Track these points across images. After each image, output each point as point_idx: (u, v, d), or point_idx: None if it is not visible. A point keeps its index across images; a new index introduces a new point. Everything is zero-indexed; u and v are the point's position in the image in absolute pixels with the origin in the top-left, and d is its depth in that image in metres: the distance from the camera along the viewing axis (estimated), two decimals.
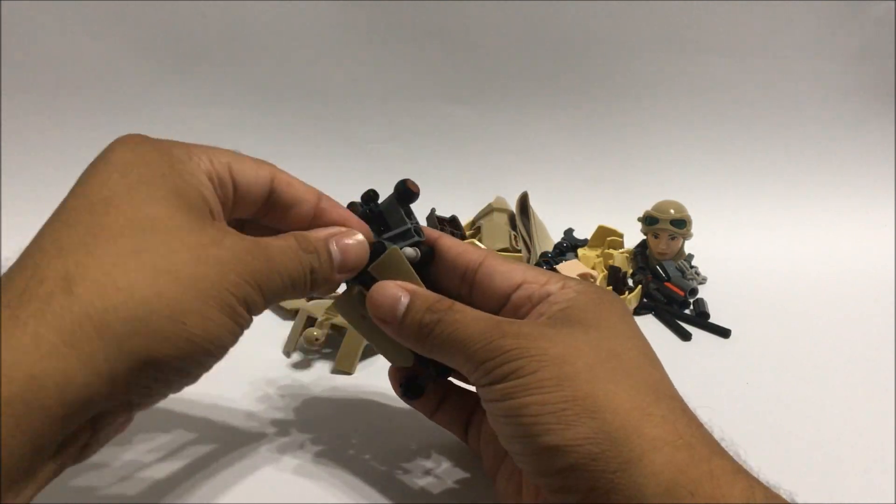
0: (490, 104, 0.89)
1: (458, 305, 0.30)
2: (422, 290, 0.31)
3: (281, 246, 0.29)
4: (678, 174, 0.90)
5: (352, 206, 0.35)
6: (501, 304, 0.33)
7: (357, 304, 0.34)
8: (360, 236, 0.32)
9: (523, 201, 0.70)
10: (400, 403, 0.38)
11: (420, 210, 0.67)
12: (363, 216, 0.34)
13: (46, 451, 0.22)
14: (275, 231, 0.32)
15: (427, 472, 0.38)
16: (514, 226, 0.69)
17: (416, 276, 0.33)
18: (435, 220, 0.62)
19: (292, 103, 0.86)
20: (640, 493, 0.24)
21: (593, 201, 0.88)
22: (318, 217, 0.33)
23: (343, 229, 0.32)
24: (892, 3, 0.85)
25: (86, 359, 0.22)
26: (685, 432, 0.25)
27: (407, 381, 0.35)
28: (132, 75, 0.79)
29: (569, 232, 0.74)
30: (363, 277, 0.33)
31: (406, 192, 0.33)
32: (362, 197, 0.35)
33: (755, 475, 0.25)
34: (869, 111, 0.91)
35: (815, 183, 0.91)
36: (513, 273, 0.33)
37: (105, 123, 0.80)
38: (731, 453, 0.26)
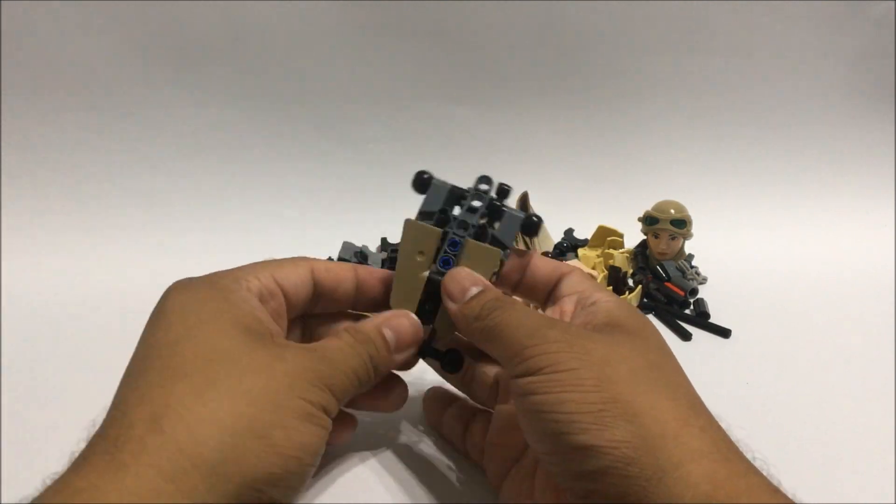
0: (490, 104, 0.89)
1: (516, 302, 0.31)
2: (492, 286, 0.33)
3: (338, 346, 0.30)
4: (678, 174, 0.90)
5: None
6: (546, 298, 0.35)
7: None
8: (412, 316, 0.34)
9: (523, 201, 0.70)
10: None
11: None
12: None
13: None
14: (330, 318, 0.36)
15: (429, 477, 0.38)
16: None
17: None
18: None
19: (292, 103, 0.86)
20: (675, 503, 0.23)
21: (593, 201, 0.88)
22: (361, 285, 0.36)
23: (393, 313, 0.34)
24: (892, 3, 0.85)
25: (189, 492, 0.23)
26: (723, 446, 0.25)
27: (444, 356, 0.36)
28: (132, 75, 0.79)
29: (569, 232, 0.74)
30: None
31: (532, 225, 0.35)
32: (497, 192, 0.36)
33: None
34: (869, 111, 0.91)
35: (815, 183, 0.91)
36: (559, 266, 0.36)
37: (105, 124, 0.80)
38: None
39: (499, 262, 0.34)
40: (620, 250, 0.68)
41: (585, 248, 0.71)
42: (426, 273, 0.34)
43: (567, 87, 0.90)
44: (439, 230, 0.34)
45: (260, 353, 0.27)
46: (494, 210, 0.35)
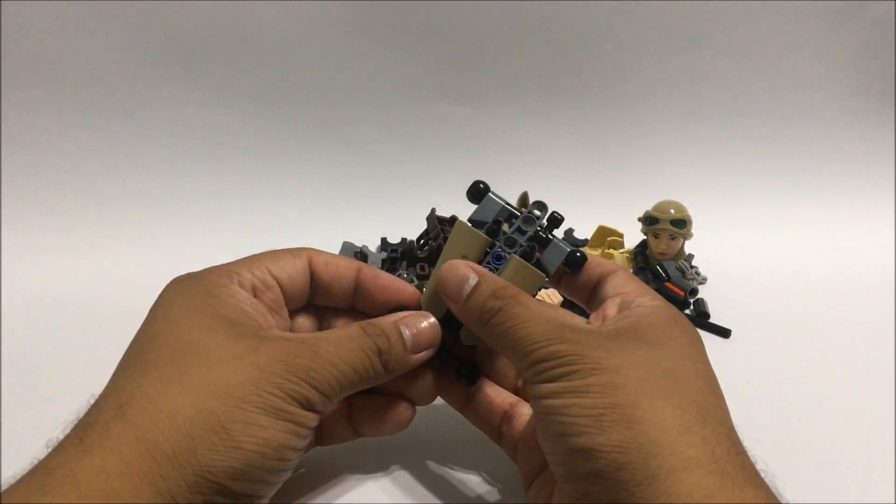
0: (490, 104, 0.89)
1: (524, 297, 0.30)
2: (490, 275, 0.32)
3: (335, 337, 0.30)
4: (678, 174, 0.90)
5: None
6: (588, 296, 0.35)
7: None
8: (431, 319, 0.33)
9: (523, 201, 0.70)
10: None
11: (421, 210, 0.67)
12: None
13: None
14: (350, 312, 0.35)
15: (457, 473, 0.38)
16: None
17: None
18: (435, 220, 0.62)
19: (292, 103, 0.86)
20: None
21: (593, 201, 0.88)
22: (361, 286, 0.35)
23: (412, 313, 0.33)
24: (893, 3, 0.85)
25: (146, 477, 0.23)
26: (723, 458, 0.25)
27: (460, 368, 0.35)
28: (133, 75, 0.79)
29: (569, 232, 0.74)
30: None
31: (576, 262, 0.35)
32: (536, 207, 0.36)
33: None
34: (869, 111, 0.91)
35: (815, 183, 0.90)
36: (605, 264, 0.36)
37: (105, 123, 0.79)
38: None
39: (538, 288, 0.34)
40: (620, 250, 0.68)
41: (585, 248, 0.71)
42: None
43: (567, 87, 0.90)
44: (489, 239, 0.34)
45: (234, 345, 0.27)
46: (541, 238, 0.35)
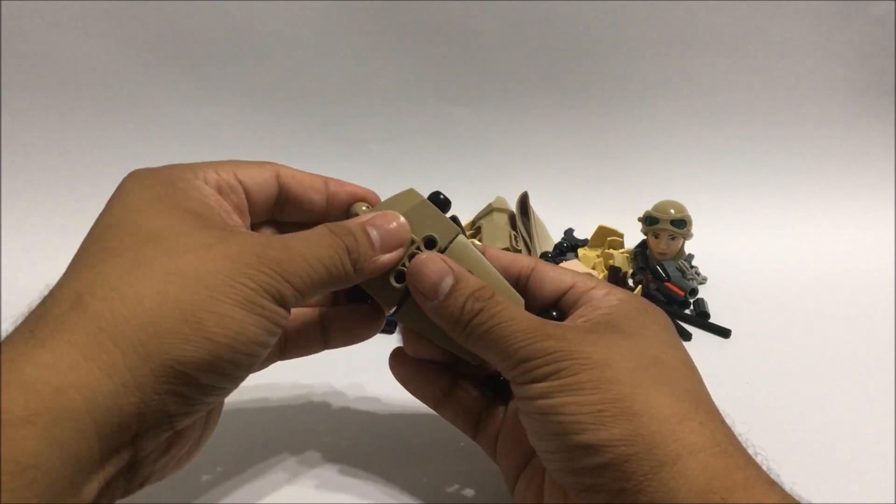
0: (490, 104, 0.89)
1: (500, 296, 0.30)
2: (468, 274, 0.30)
3: (304, 234, 0.28)
4: (678, 174, 0.90)
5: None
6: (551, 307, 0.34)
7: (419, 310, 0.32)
8: (400, 219, 0.31)
9: (523, 201, 0.70)
10: (404, 403, 0.37)
11: None
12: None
13: (85, 468, 0.21)
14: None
15: (437, 474, 0.38)
16: (514, 226, 0.69)
17: (489, 264, 0.33)
18: None
19: (292, 103, 0.86)
20: (671, 496, 0.24)
21: (593, 201, 0.88)
22: (331, 200, 0.34)
23: (379, 213, 0.32)
24: (893, 2, 0.85)
25: (107, 369, 0.22)
26: (722, 440, 0.26)
27: (486, 379, 0.35)
28: (132, 75, 0.79)
29: (569, 232, 0.74)
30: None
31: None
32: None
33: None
34: (869, 111, 0.91)
35: (815, 183, 0.90)
36: (563, 277, 0.34)
37: (105, 123, 0.80)
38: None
39: (472, 248, 0.33)
40: (620, 250, 0.68)
41: (585, 248, 0.71)
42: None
43: (567, 87, 0.90)
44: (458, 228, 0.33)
45: (201, 235, 0.26)
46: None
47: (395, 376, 0.36)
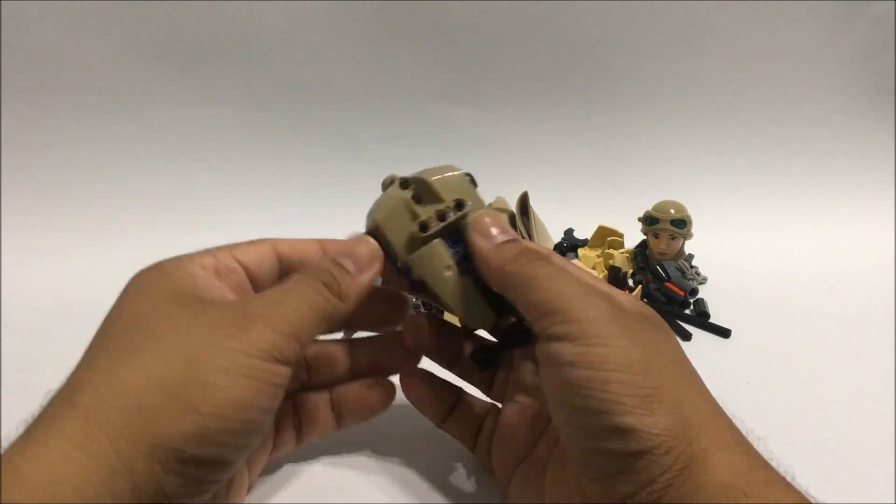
0: (490, 104, 0.89)
1: (558, 260, 0.31)
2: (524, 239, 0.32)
3: (282, 285, 0.29)
4: (678, 174, 0.90)
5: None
6: None
7: (442, 255, 0.33)
8: (368, 240, 0.33)
9: (523, 201, 0.70)
10: (403, 415, 0.38)
11: None
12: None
13: None
14: None
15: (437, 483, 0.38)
16: (514, 226, 0.69)
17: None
18: None
19: (292, 103, 0.86)
20: (698, 491, 0.24)
21: (593, 201, 0.88)
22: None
23: (342, 243, 0.33)
24: (893, 2, 0.85)
25: (96, 457, 0.22)
26: (742, 439, 0.26)
27: (477, 351, 0.35)
28: (132, 75, 0.79)
29: (569, 232, 0.74)
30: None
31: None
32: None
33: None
34: (869, 111, 0.91)
35: (815, 183, 0.90)
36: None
37: (105, 123, 0.79)
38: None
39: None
40: (620, 250, 0.68)
41: (585, 248, 0.71)
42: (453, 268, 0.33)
43: (567, 87, 0.90)
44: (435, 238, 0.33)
45: (180, 314, 0.27)
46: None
47: (407, 397, 0.37)
